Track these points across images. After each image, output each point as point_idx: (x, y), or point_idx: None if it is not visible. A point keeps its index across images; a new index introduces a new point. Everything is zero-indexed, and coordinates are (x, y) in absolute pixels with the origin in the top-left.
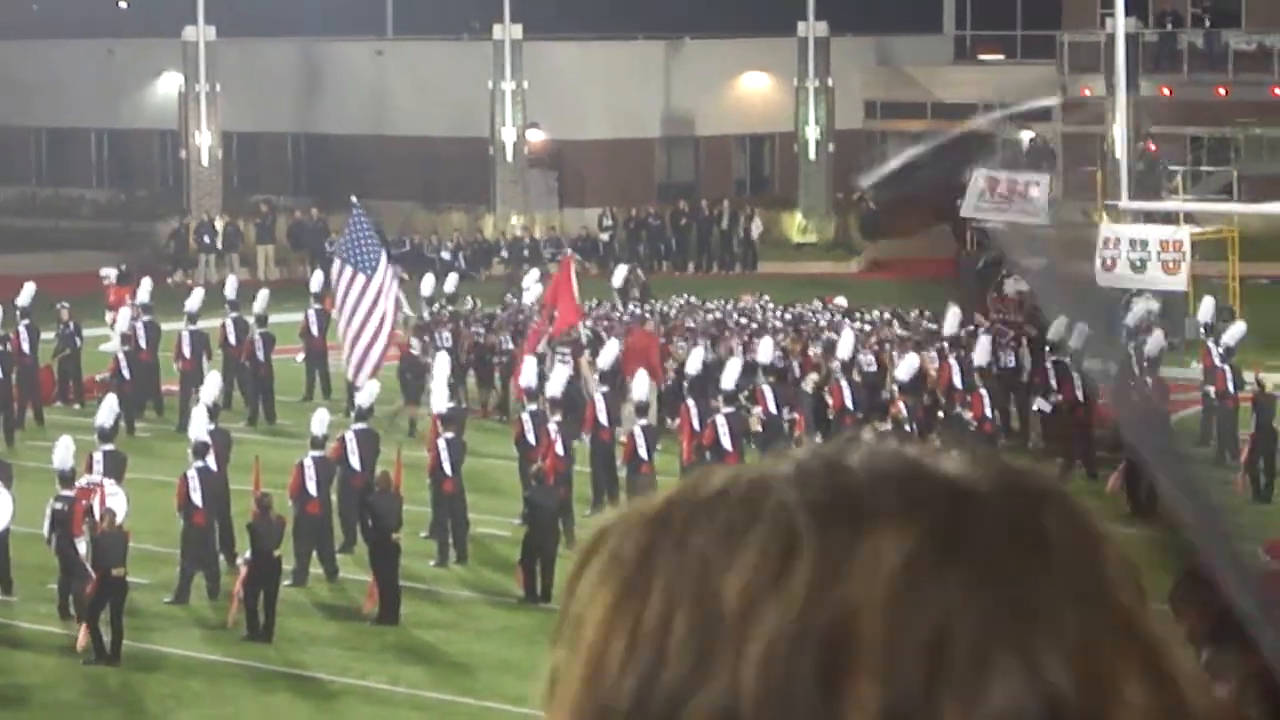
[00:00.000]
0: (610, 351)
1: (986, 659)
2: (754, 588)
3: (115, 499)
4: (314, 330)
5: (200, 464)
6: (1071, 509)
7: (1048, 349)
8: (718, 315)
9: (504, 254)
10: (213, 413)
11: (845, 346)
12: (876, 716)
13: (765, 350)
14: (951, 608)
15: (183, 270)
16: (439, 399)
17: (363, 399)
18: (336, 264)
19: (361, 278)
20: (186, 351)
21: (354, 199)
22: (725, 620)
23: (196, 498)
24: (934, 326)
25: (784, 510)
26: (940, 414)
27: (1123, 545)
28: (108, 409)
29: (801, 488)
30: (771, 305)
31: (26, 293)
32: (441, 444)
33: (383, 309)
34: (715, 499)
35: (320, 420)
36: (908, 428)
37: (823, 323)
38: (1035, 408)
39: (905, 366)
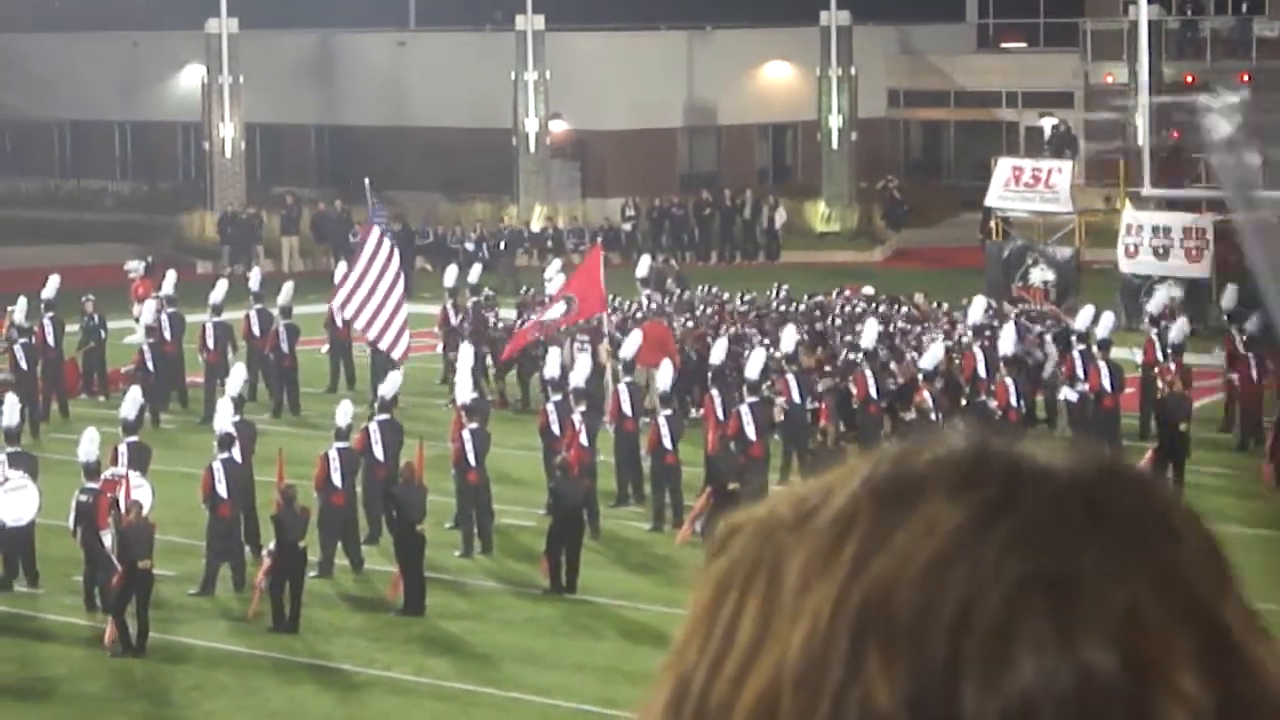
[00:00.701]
0: (633, 342)
1: (1013, 630)
2: (809, 565)
3: (140, 491)
4: (338, 321)
5: (225, 456)
6: (1147, 490)
7: (1074, 338)
8: (742, 309)
9: (526, 244)
10: (237, 405)
11: (869, 336)
12: (899, 690)
13: (788, 340)
14: (984, 577)
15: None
16: (463, 390)
17: (385, 390)
18: (375, 234)
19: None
20: (211, 343)
21: (366, 181)
22: (784, 598)
23: (221, 489)
24: (956, 315)
25: (850, 494)
26: (964, 403)
27: (1209, 533)
28: (132, 401)
29: (872, 473)
30: (786, 295)
31: (51, 285)
32: (466, 435)
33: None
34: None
35: (344, 412)
36: (933, 417)
37: (846, 310)
38: (1061, 397)
39: (929, 356)
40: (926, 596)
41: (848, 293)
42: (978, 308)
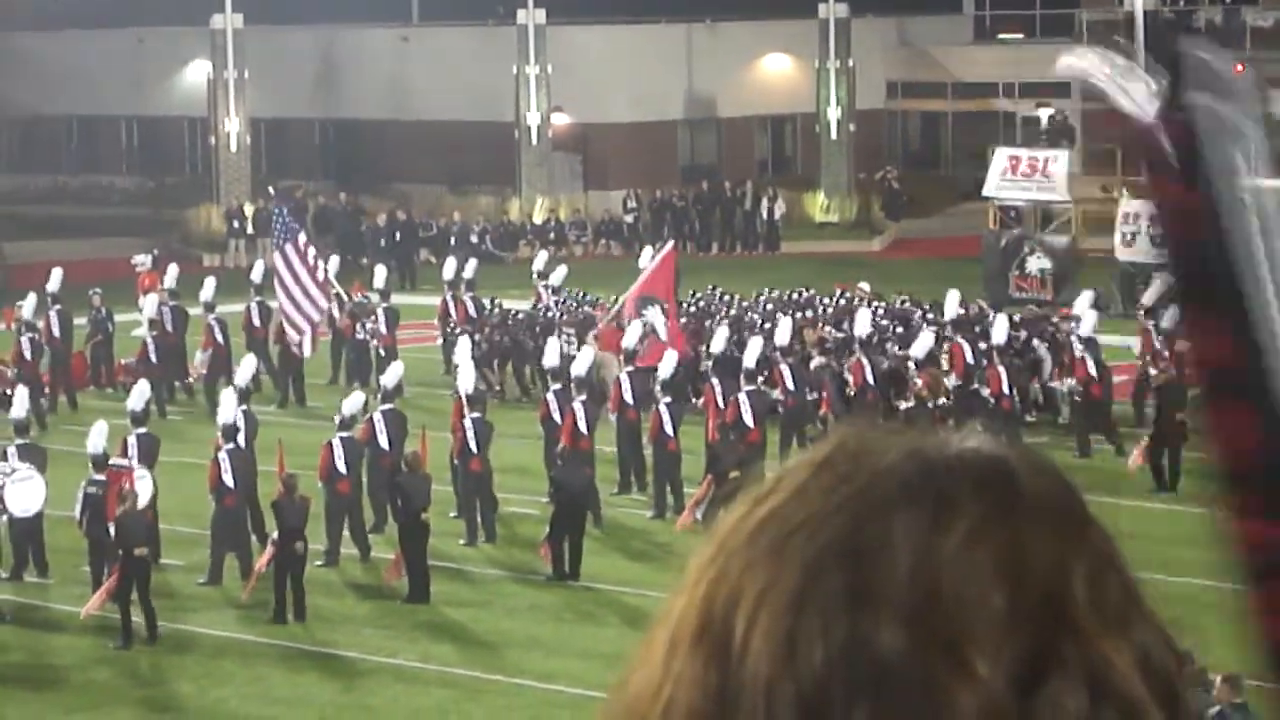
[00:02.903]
0: (634, 332)
1: (804, 604)
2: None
3: (142, 483)
4: (335, 314)
5: (231, 446)
6: (1002, 468)
7: (1073, 324)
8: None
9: (530, 236)
10: (242, 396)
11: (863, 325)
12: (711, 681)
13: (783, 332)
14: (792, 550)
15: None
16: (465, 380)
17: (388, 380)
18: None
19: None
20: (218, 336)
21: (270, 189)
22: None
23: (228, 479)
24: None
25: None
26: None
27: (1073, 517)
28: (139, 394)
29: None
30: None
31: (55, 279)
32: (467, 424)
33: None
34: None
35: (353, 401)
36: (929, 405)
37: (840, 304)
38: (1066, 389)
39: (920, 344)
40: (740, 581)
41: (842, 291)
42: (952, 303)
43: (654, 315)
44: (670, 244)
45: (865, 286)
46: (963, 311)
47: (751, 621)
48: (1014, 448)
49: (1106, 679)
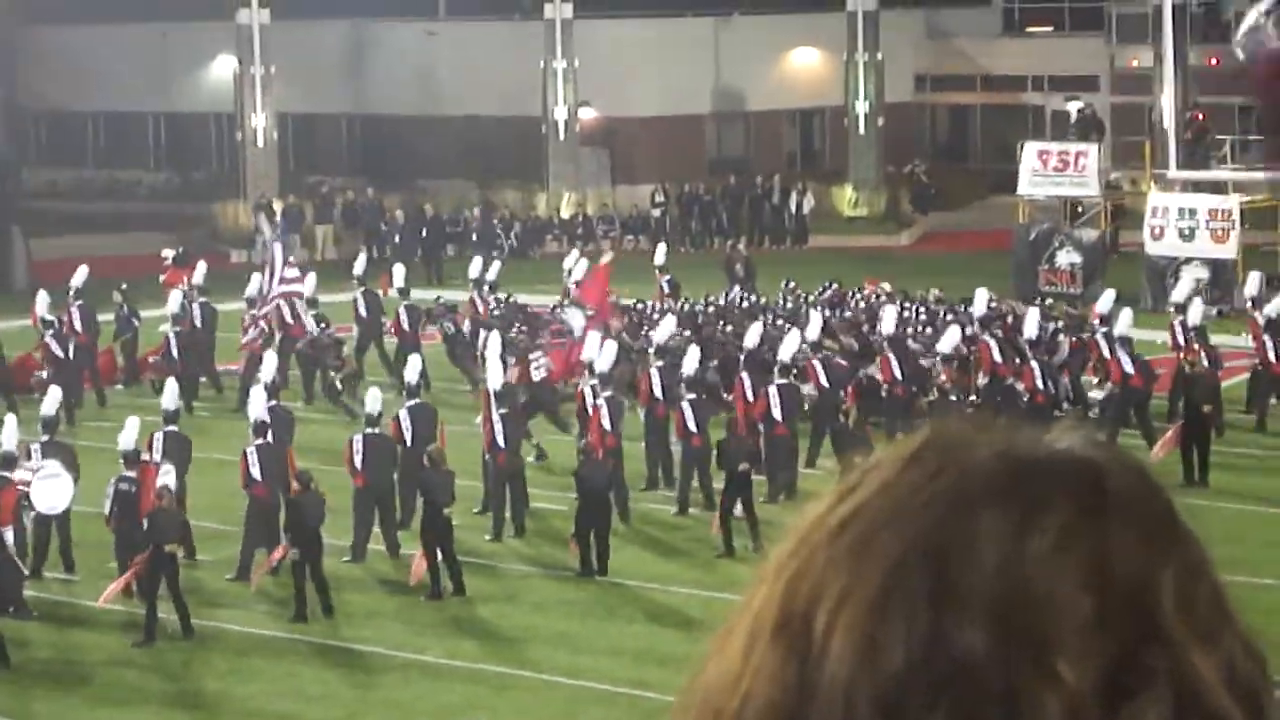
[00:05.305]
0: (666, 327)
1: (887, 605)
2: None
3: (166, 478)
4: (362, 311)
5: (260, 441)
6: (1094, 469)
7: (1097, 321)
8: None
9: (557, 232)
10: (271, 391)
11: (889, 321)
12: (789, 676)
13: (814, 327)
14: (875, 549)
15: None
16: (494, 376)
17: (409, 374)
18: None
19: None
20: (251, 333)
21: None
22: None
23: (257, 473)
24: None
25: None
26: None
27: (1168, 523)
28: (170, 393)
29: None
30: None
31: (79, 274)
32: (496, 419)
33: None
34: None
35: (373, 398)
36: (953, 398)
37: (867, 303)
38: (1105, 392)
39: (946, 340)
40: (822, 577)
41: (867, 289)
42: (981, 300)
43: (573, 317)
44: (608, 256)
45: (886, 286)
46: (995, 306)
47: (832, 619)
48: (1105, 449)
49: (1195, 691)
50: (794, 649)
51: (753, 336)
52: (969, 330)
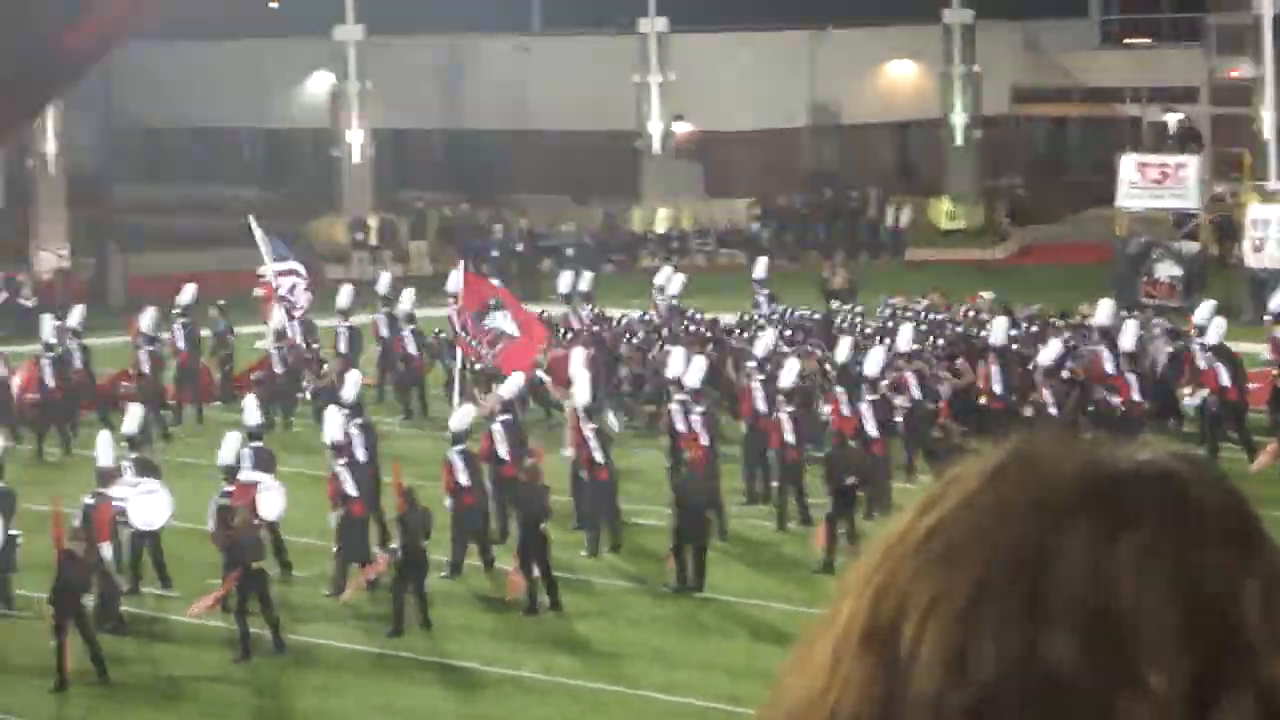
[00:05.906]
0: (766, 340)
1: (977, 614)
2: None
3: (268, 494)
4: (384, 331)
5: (346, 459)
6: (1177, 479)
7: (1196, 334)
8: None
9: (651, 247)
10: (354, 409)
11: (998, 333)
12: (878, 689)
13: (905, 338)
14: (964, 558)
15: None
16: (581, 391)
17: (505, 391)
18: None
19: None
20: (343, 347)
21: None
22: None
23: (350, 489)
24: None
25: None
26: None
27: (1252, 534)
28: (251, 408)
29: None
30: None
31: (187, 293)
32: (589, 434)
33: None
34: None
35: (460, 416)
36: (1051, 412)
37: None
38: (1200, 400)
39: (1047, 353)
40: (908, 588)
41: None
42: (1103, 312)
43: (502, 321)
44: (460, 265)
45: (987, 296)
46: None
47: (920, 631)
48: (1187, 460)
49: (1278, 699)
50: (883, 660)
51: (843, 351)
52: (1071, 342)
